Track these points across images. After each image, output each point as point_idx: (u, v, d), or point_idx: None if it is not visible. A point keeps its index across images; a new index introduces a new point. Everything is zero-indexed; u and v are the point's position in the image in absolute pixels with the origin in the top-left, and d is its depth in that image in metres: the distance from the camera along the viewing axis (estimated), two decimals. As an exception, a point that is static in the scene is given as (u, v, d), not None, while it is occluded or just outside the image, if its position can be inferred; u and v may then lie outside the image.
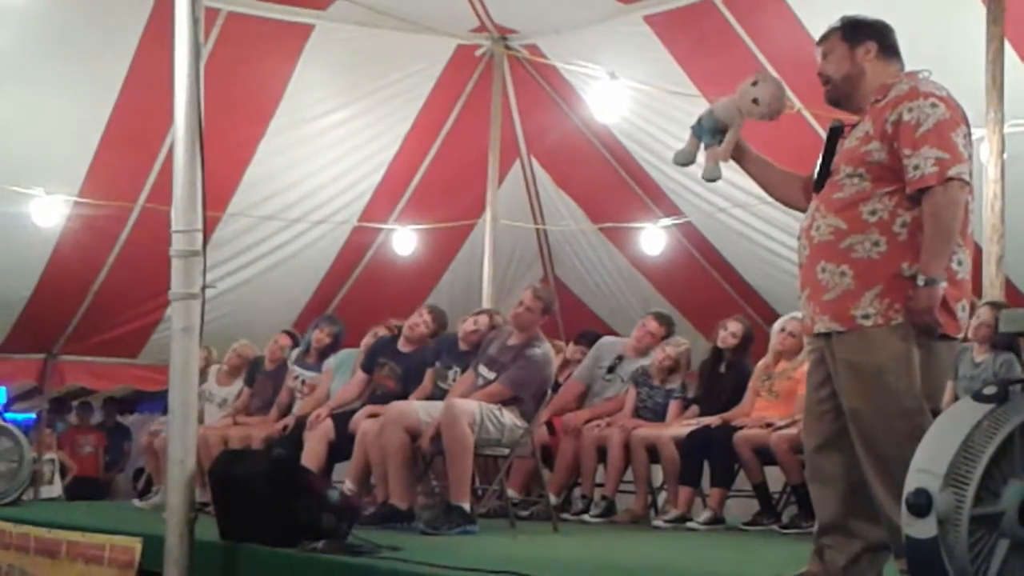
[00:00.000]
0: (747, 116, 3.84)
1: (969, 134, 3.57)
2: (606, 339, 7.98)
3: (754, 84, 3.85)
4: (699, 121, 3.89)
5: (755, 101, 3.82)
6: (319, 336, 7.87)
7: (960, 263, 3.49)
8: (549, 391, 6.58)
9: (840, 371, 3.53)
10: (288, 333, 8.44)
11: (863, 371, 3.47)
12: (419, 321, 7.26)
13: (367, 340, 7.61)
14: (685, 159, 3.94)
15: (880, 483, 3.42)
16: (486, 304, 8.81)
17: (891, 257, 3.47)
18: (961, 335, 3.56)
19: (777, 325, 7.11)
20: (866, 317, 3.46)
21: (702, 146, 3.90)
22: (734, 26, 7.93)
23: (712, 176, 3.88)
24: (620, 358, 7.61)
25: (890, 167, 3.49)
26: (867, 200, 3.51)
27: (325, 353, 7.82)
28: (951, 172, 3.40)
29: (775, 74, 4.16)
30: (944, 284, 3.41)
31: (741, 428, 6.73)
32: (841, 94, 3.73)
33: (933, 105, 3.47)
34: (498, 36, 9.33)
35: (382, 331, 7.62)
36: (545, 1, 8.80)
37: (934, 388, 3.51)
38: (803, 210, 3.76)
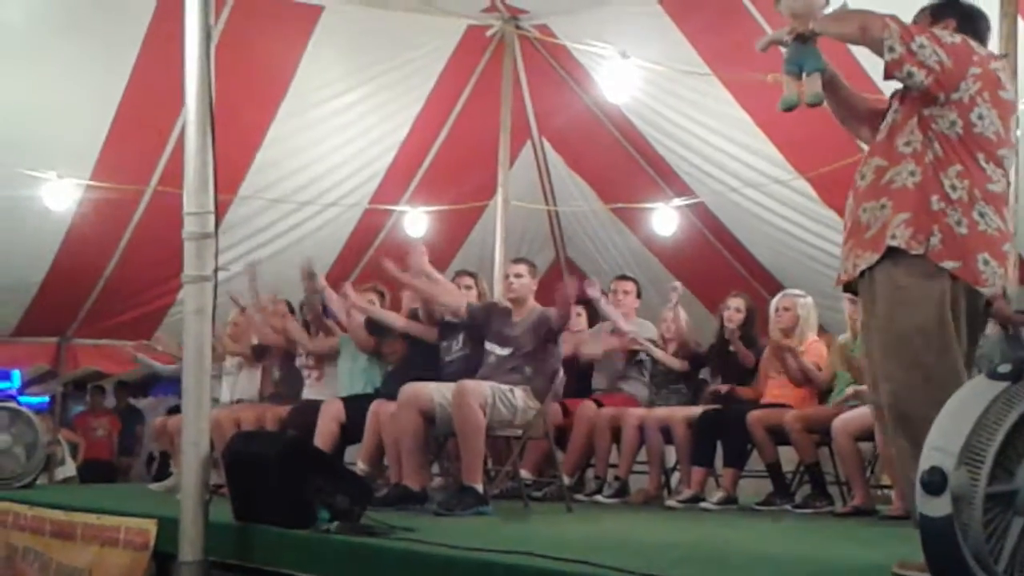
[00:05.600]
0: (809, 10, 3.74)
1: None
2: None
3: None
4: (790, 60, 3.81)
5: None
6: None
7: (982, 215, 3.50)
8: (561, 372, 6.59)
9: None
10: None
11: (880, 290, 3.50)
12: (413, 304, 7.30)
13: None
14: (793, 101, 3.84)
15: (884, 402, 3.46)
16: (497, 286, 8.79)
17: (924, 188, 3.48)
18: (987, 290, 3.50)
19: (771, 307, 7.15)
20: (893, 237, 3.48)
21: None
22: (746, 4, 7.88)
23: (818, 100, 3.80)
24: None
25: (914, 98, 3.52)
26: (900, 132, 3.54)
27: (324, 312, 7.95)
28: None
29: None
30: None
31: (754, 408, 6.73)
32: None
33: None
34: (509, 16, 9.30)
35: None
36: (555, -19, 8.78)
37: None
38: (857, 136, 3.82)
